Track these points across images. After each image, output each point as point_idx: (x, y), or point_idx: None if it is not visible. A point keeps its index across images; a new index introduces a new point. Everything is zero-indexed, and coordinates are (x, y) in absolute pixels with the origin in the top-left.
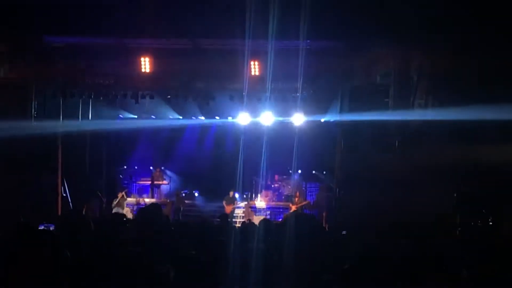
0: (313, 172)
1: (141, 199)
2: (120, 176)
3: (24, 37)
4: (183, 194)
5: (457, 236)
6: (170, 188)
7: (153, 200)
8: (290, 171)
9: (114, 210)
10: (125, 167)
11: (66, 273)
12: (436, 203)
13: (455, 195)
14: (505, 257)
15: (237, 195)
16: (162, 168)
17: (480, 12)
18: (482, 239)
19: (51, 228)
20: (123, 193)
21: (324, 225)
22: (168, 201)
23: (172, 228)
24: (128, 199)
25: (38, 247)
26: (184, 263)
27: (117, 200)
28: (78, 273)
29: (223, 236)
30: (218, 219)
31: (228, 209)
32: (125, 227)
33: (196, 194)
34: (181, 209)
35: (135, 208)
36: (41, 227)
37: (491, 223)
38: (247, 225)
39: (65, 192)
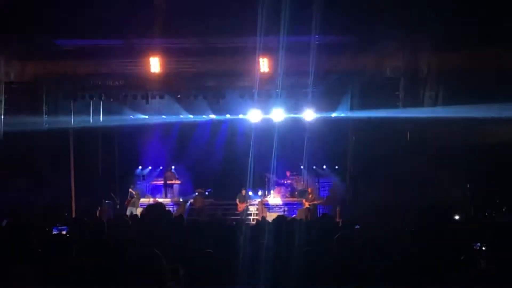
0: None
1: (154, 199)
2: (133, 177)
3: (35, 40)
4: (206, 193)
5: (473, 226)
6: (183, 188)
7: (167, 200)
8: (302, 167)
9: (128, 211)
10: (139, 167)
11: (78, 276)
12: (449, 195)
13: (468, 186)
14: None
15: (250, 193)
16: (173, 167)
17: (492, 6)
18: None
19: (63, 232)
20: (134, 191)
21: (337, 220)
22: (181, 200)
23: (183, 227)
24: (142, 199)
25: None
26: (194, 261)
27: (131, 200)
28: (90, 275)
29: (235, 234)
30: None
31: (241, 207)
32: (136, 227)
33: (206, 193)
34: (202, 208)
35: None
36: (55, 231)
37: (505, 213)
38: (260, 222)
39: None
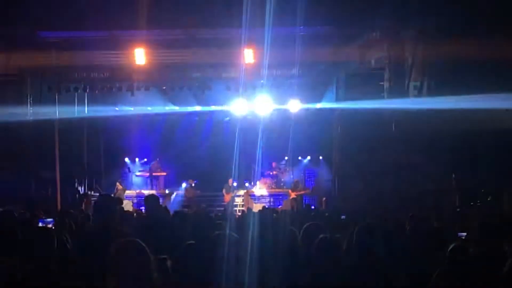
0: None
1: (140, 191)
2: (118, 168)
3: (19, 32)
4: (193, 184)
5: (458, 215)
6: (169, 179)
7: (153, 191)
8: (286, 158)
9: None
10: (125, 159)
11: (64, 268)
12: (435, 185)
13: (453, 176)
14: (506, 234)
15: (235, 184)
16: (158, 159)
17: None
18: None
19: (49, 225)
20: (120, 184)
21: (323, 210)
22: (167, 192)
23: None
24: (128, 191)
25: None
26: (180, 253)
27: (116, 192)
28: (76, 267)
29: (221, 226)
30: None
31: (227, 197)
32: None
33: (184, 185)
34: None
35: (135, 200)
36: (40, 223)
37: (490, 202)
38: (245, 214)
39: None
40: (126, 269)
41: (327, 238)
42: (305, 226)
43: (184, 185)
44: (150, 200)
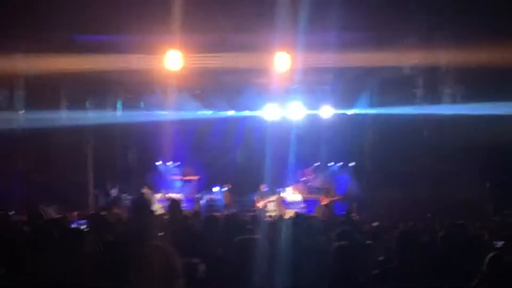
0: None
1: (172, 195)
2: (151, 172)
3: (53, 35)
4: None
5: (493, 224)
6: (200, 183)
7: (184, 195)
8: (318, 164)
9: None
10: (157, 163)
11: (96, 269)
12: (469, 193)
13: (488, 184)
14: None
15: (266, 189)
16: (190, 163)
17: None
18: None
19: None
20: (148, 188)
21: (355, 217)
22: (197, 196)
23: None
24: (159, 195)
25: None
26: (210, 258)
27: (147, 196)
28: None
29: (253, 231)
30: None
31: (259, 203)
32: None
33: (217, 189)
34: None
35: (166, 204)
36: (73, 224)
37: None
38: (277, 219)
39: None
40: (149, 274)
41: (353, 244)
42: (337, 231)
43: (216, 189)
44: (172, 205)
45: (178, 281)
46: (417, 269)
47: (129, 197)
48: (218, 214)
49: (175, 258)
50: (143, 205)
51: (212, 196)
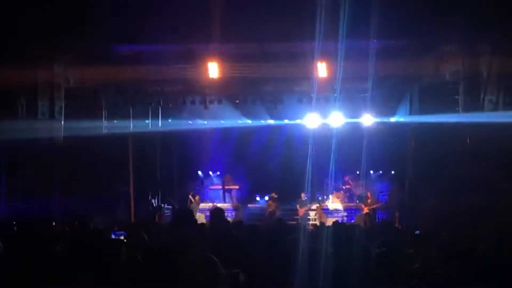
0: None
1: (214, 204)
2: (192, 181)
3: (94, 46)
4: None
5: None
6: (241, 192)
7: (226, 205)
8: (358, 172)
9: None
10: (198, 172)
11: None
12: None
13: None
14: None
15: (306, 198)
16: (230, 172)
17: None
18: None
19: (121, 237)
20: (194, 197)
21: (396, 225)
22: (239, 205)
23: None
24: (201, 204)
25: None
26: (252, 267)
27: (191, 204)
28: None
29: (294, 240)
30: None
31: (301, 211)
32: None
33: (258, 198)
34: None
35: (207, 213)
36: (113, 235)
37: None
38: (319, 228)
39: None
40: (196, 284)
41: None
42: (378, 241)
43: (265, 198)
44: (214, 214)
45: None
46: (458, 278)
47: (169, 206)
48: (260, 223)
49: (220, 268)
50: (187, 214)
51: (255, 205)
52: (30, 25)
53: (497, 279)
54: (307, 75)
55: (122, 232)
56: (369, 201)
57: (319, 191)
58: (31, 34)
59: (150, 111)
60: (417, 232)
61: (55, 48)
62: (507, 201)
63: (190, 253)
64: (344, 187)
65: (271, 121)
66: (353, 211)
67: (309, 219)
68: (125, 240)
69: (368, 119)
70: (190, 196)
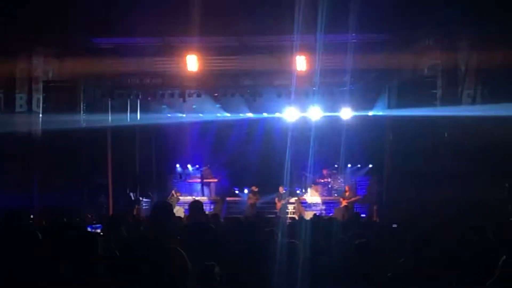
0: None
1: (192, 198)
2: (170, 175)
3: (72, 39)
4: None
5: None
6: (220, 186)
7: (205, 198)
8: (336, 165)
9: None
10: (177, 165)
11: (112, 273)
12: (487, 194)
13: (507, 185)
14: None
15: (285, 191)
16: (209, 166)
17: None
18: None
19: (98, 230)
20: (176, 192)
21: (374, 219)
22: (218, 198)
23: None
24: (180, 197)
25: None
26: (229, 260)
27: (171, 198)
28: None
29: (270, 232)
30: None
31: (279, 205)
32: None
33: (237, 191)
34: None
35: (186, 207)
36: (89, 228)
37: None
38: (297, 221)
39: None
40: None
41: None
42: (348, 234)
43: (237, 191)
44: (193, 207)
45: (191, 283)
46: (431, 271)
47: (147, 200)
48: (239, 216)
49: (187, 261)
50: (165, 208)
51: (234, 198)
52: (8, 18)
53: (470, 271)
54: (286, 69)
55: (98, 225)
56: (347, 194)
57: (298, 185)
58: (9, 26)
59: (129, 104)
60: (395, 225)
61: (33, 40)
62: (484, 195)
63: (163, 247)
64: (322, 181)
65: (250, 115)
66: (331, 205)
67: (287, 212)
68: (101, 234)
69: (346, 113)
70: (173, 191)
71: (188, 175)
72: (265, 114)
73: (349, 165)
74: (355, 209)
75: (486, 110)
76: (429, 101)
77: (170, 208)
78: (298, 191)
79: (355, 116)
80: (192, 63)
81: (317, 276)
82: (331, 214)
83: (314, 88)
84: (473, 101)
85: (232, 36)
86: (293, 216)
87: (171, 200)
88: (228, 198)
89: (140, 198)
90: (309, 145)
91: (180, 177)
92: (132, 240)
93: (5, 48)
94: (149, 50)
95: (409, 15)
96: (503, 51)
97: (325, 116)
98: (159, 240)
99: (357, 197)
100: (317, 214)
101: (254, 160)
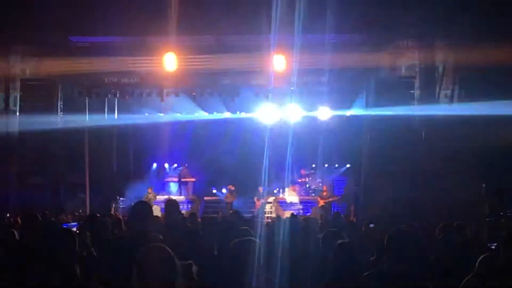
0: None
1: (169, 197)
2: (148, 174)
3: (50, 37)
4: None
5: (487, 225)
6: (198, 185)
7: (182, 197)
8: (314, 165)
9: None
10: (154, 164)
11: (88, 270)
12: (464, 194)
13: (483, 185)
14: None
15: (264, 190)
16: (187, 165)
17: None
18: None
19: (74, 229)
20: (151, 190)
21: (352, 218)
22: (196, 198)
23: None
24: (157, 196)
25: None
26: (206, 259)
27: (147, 197)
28: (101, 269)
29: (250, 232)
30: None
31: (258, 204)
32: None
33: (215, 191)
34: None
35: (163, 206)
36: (64, 227)
37: None
38: (274, 221)
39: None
40: (151, 275)
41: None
42: (323, 233)
43: (215, 191)
44: (168, 206)
45: (178, 282)
46: (408, 270)
47: (123, 199)
48: (215, 215)
49: (175, 259)
50: (143, 207)
51: (211, 198)
52: None
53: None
54: (264, 68)
55: (74, 224)
56: (324, 194)
57: (276, 184)
58: None
59: (106, 103)
60: (372, 225)
61: (11, 38)
62: (461, 194)
63: (150, 245)
64: (300, 180)
65: (228, 114)
66: (309, 204)
67: (265, 212)
68: (77, 232)
69: (324, 112)
70: (149, 189)
71: (166, 174)
72: (243, 114)
73: (326, 165)
74: (332, 208)
75: (463, 110)
76: (406, 101)
77: (150, 207)
78: (276, 191)
79: (333, 116)
80: (169, 62)
81: (293, 274)
82: (308, 214)
83: (292, 88)
84: (450, 101)
85: (210, 35)
86: (271, 215)
87: (147, 198)
88: (206, 198)
89: (117, 197)
90: (287, 145)
91: (158, 176)
92: (114, 240)
93: None
94: (127, 49)
95: (386, 15)
96: (479, 51)
97: (303, 116)
98: (142, 239)
99: (335, 197)
100: (295, 213)
101: (232, 160)
